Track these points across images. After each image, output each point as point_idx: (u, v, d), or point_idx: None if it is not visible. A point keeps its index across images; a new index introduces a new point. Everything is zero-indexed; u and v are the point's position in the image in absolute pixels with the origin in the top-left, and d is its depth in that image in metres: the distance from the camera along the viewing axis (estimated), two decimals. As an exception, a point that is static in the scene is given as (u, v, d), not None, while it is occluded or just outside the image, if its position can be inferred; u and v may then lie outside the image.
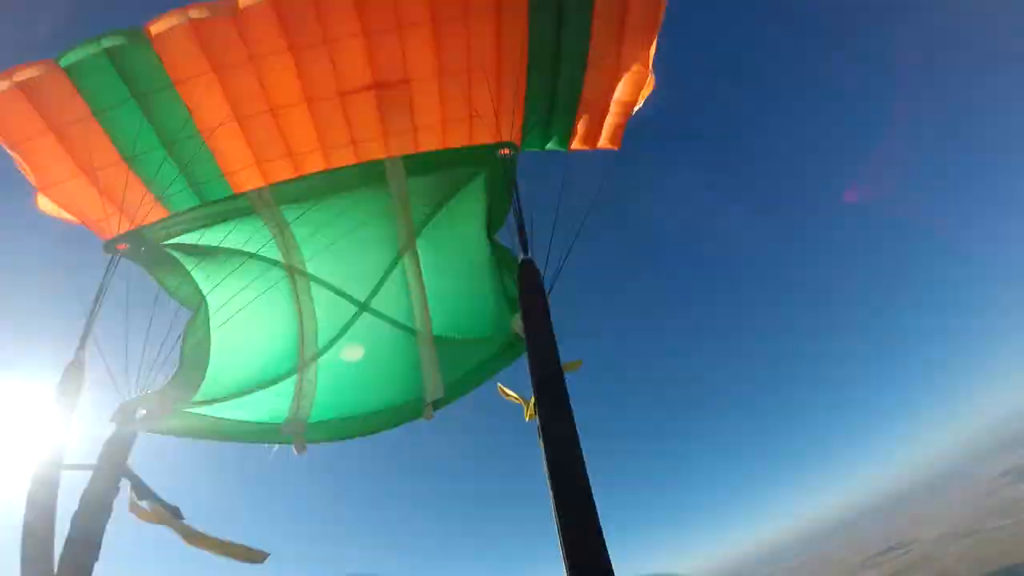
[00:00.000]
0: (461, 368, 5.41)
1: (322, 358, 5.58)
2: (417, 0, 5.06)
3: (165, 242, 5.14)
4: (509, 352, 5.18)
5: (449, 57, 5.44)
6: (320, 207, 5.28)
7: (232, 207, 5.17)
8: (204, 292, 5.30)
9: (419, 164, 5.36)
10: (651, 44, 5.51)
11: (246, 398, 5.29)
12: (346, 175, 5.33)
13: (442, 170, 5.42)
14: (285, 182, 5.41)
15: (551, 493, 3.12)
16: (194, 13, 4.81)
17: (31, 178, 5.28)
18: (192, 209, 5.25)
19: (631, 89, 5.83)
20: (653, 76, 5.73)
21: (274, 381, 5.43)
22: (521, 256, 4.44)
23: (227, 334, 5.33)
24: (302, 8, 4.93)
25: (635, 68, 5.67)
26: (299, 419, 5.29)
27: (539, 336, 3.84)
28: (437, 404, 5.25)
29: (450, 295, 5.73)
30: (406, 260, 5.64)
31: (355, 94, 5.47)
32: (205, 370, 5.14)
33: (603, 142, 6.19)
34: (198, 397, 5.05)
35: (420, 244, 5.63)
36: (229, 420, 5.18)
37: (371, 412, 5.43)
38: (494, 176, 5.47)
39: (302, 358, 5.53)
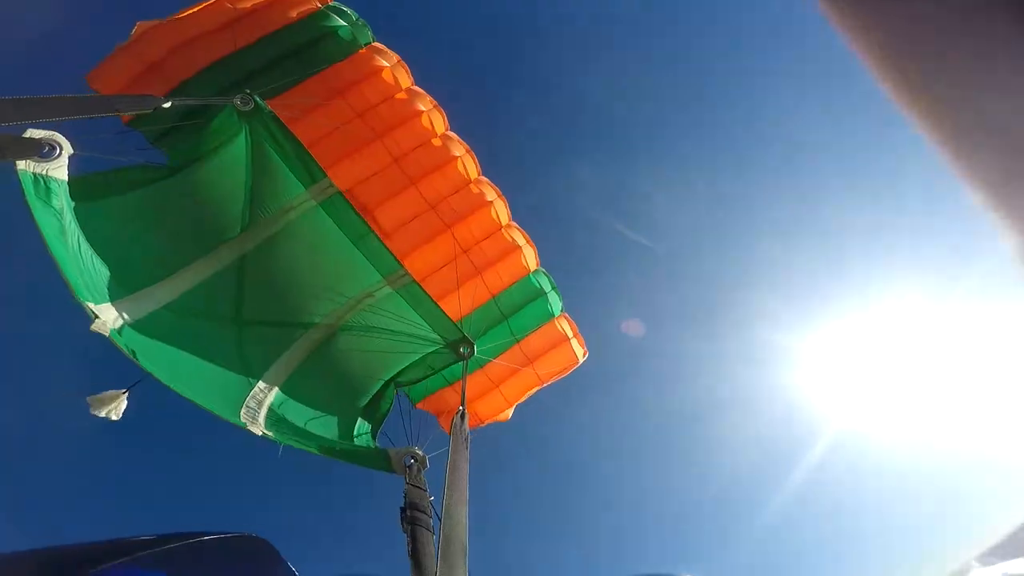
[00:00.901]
0: (290, 437, 5.22)
1: (158, 311, 4.97)
2: (454, 207, 6.11)
3: (262, 128, 4.98)
4: (375, 462, 5.06)
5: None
6: (328, 242, 5.48)
7: (314, 168, 5.22)
8: (187, 169, 5.11)
9: (411, 294, 5.78)
10: (532, 389, 6.38)
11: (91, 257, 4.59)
12: (373, 247, 5.57)
13: (418, 314, 5.86)
14: (348, 209, 5.42)
15: None
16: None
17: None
18: (297, 143, 5.16)
19: (490, 410, 6.46)
20: (510, 415, 6.48)
21: (121, 271, 4.81)
22: (461, 409, 4.89)
23: (150, 208, 5.02)
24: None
25: (509, 395, 6.39)
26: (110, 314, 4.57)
27: (455, 487, 4.08)
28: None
29: (312, 389, 5.66)
30: (313, 332, 5.86)
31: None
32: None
33: (441, 421, 6.56)
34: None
35: (337, 334, 5.94)
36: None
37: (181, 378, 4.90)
38: (438, 357, 6.08)
39: (144, 292, 4.91)
